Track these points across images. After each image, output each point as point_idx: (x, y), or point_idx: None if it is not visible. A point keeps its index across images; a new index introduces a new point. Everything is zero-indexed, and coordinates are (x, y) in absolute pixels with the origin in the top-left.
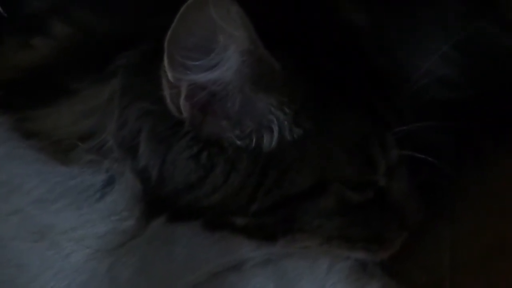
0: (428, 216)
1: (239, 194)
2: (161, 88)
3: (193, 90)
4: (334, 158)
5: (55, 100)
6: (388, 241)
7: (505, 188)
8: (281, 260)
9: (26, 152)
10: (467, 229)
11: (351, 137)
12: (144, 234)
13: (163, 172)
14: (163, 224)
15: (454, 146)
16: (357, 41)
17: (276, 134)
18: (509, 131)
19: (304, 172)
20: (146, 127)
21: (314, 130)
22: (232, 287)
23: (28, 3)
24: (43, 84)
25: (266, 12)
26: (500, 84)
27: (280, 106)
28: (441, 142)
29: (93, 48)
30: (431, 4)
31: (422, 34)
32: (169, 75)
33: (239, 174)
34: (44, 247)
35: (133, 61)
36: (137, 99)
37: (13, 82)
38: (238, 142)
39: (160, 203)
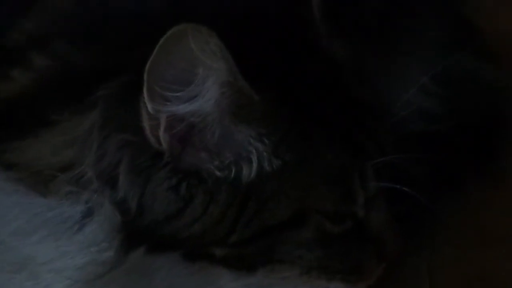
0: (407, 246)
1: (219, 225)
2: (140, 119)
3: (173, 121)
4: (313, 189)
5: (35, 131)
6: (366, 272)
7: (484, 218)
8: None
9: (5, 183)
10: (446, 260)
11: (330, 168)
12: (123, 265)
13: (142, 203)
14: (142, 255)
15: (433, 177)
16: (337, 73)
17: (255, 165)
18: (488, 163)
19: (283, 203)
20: (125, 158)
21: (293, 162)
22: None
23: (8, 36)
24: (23, 115)
25: (247, 44)
26: (479, 116)
27: (259, 137)
28: (420, 173)
29: (73, 79)
30: (411, 36)
31: (401, 66)
32: (149, 106)
33: (218, 205)
34: (23, 278)
35: (113, 93)
36: (116, 130)
37: None
38: (218, 173)
39: (140, 234)
